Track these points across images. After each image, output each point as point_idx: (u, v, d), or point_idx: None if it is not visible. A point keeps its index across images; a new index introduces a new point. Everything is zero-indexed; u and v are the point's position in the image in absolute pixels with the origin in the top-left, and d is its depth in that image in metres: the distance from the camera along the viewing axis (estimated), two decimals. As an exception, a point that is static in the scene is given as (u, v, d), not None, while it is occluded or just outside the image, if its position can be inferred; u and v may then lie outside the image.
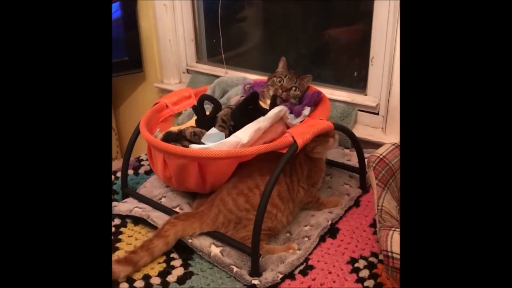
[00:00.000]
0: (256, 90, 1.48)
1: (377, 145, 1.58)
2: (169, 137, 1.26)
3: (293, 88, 1.42)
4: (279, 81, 1.42)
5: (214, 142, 1.20)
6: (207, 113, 1.33)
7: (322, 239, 1.23)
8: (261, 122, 1.19)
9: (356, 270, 1.13)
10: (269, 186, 1.11)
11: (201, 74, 2.05)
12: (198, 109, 1.29)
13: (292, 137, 1.17)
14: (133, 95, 2.33)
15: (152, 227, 1.26)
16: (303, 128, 1.21)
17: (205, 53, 2.14)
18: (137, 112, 2.33)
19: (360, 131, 1.63)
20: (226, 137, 1.23)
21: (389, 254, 0.94)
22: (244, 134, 1.17)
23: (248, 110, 1.22)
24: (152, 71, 2.18)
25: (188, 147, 1.24)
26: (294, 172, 1.27)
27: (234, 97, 1.52)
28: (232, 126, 1.26)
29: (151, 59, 2.16)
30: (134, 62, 2.16)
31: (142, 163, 1.64)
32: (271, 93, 1.42)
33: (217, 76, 1.96)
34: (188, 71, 2.13)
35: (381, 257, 1.16)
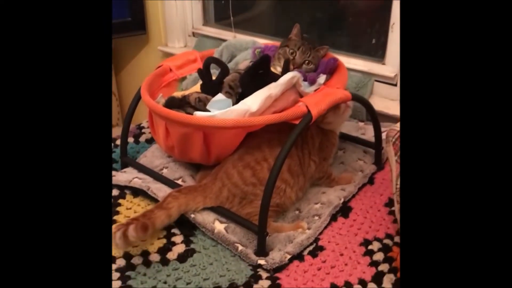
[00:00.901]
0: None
1: (394, 118, 1.49)
2: (172, 103, 1.16)
3: (306, 62, 1.30)
4: (292, 53, 1.30)
5: (220, 110, 1.11)
6: (214, 77, 1.22)
7: (333, 218, 1.15)
8: (272, 89, 1.09)
9: (369, 253, 1.05)
10: (280, 160, 1.02)
11: (208, 38, 1.94)
12: (203, 73, 1.19)
13: (306, 106, 1.06)
14: (136, 59, 2.22)
15: (152, 199, 1.18)
16: (318, 97, 1.11)
17: (212, 16, 2.03)
18: (139, 76, 2.22)
19: (377, 103, 1.52)
20: (233, 104, 1.13)
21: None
22: (254, 101, 1.07)
23: (258, 75, 1.11)
24: (156, 33, 2.07)
25: (192, 114, 1.15)
26: (305, 144, 1.18)
27: (243, 62, 1.41)
28: (239, 93, 1.16)
29: (155, 20, 2.04)
30: (137, 23, 2.04)
31: (143, 130, 1.54)
32: (281, 63, 1.31)
33: (224, 40, 1.85)
34: (194, 34, 2.02)
35: (395, 239, 1.08)
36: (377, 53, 1.59)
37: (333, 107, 1.15)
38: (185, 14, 1.99)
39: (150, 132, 1.49)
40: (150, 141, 1.47)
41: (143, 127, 1.56)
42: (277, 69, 1.30)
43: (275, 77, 1.13)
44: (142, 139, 1.50)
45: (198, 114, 1.07)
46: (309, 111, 1.06)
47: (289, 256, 1.02)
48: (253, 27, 1.90)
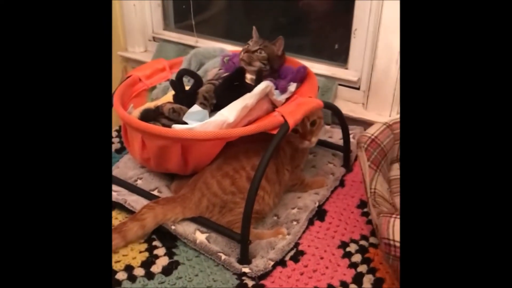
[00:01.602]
0: (236, 61, 1.38)
1: (358, 121, 1.55)
2: (147, 116, 1.16)
3: (258, 51, 1.33)
4: (246, 46, 1.34)
5: (197, 121, 1.12)
6: (186, 88, 1.23)
7: (310, 222, 1.19)
8: (247, 99, 1.11)
9: (348, 255, 1.09)
10: (261, 169, 1.04)
11: (169, 43, 1.91)
12: (176, 84, 1.19)
13: (283, 116, 1.09)
14: (94, 64, 2.16)
15: (130, 212, 1.17)
16: (293, 106, 1.14)
17: (172, 20, 2.00)
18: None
19: (341, 107, 1.54)
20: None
21: (391, 242, 0.90)
22: (230, 112, 1.09)
23: (233, 86, 1.13)
24: (115, 38, 2.01)
25: (167, 125, 1.15)
26: (278, 155, 1.21)
27: (212, 70, 1.42)
28: (214, 104, 1.17)
29: (114, 24, 1.99)
30: (95, 27, 1.98)
31: (112, 140, 1.52)
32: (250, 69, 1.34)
33: (186, 45, 1.85)
34: (154, 38, 1.98)
35: (370, 240, 1.13)
36: (340, 57, 1.64)
37: (318, 127, 1.20)
38: (145, 18, 1.95)
39: (119, 142, 1.47)
40: (120, 151, 1.45)
41: (112, 137, 1.53)
42: (247, 77, 1.32)
43: (249, 88, 1.15)
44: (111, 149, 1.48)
45: (177, 127, 1.07)
46: (286, 121, 1.08)
47: (272, 263, 1.04)
48: (214, 30, 1.90)
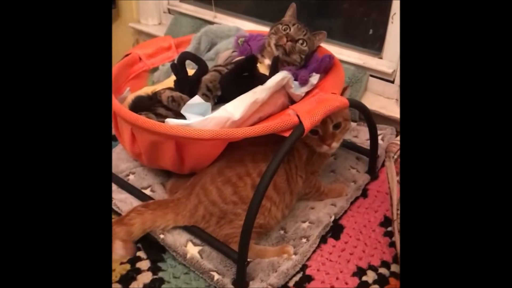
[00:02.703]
0: (252, 44, 1.19)
1: (389, 120, 1.36)
2: (140, 104, 0.99)
3: (300, 41, 1.14)
4: (285, 29, 1.14)
5: (196, 114, 0.95)
6: (190, 73, 1.05)
7: (323, 239, 1.02)
8: (258, 93, 0.93)
9: (364, 285, 0.93)
10: (267, 176, 0.87)
11: (185, 16, 1.74)
12: (178, 69, 1.01)
13: (298, 116, 0.91)
14: (104, 35, 2.01)
15: (116, 213, 1.02)
16: (311, 104, 0.95)
17: (191, -9, 1.82)
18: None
19: (371, 102, 1.38)
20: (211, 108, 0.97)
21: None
22: (236, 108, 0.91)
23: (242, 77, 0.94)
24: (127, 8, 1.86)
25: (163, 115, 0.99)
26: (292, 158, 1.03)
27: (224, 51, 1.24)
28: (218, 96, 1.00)
29: (126, -7, 1.83)
30: (106, -5, 1.82)
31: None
32: (272, 44, 1.14)
33: (203, 20, 1.68)
34: (169, 11, 1.81)
35: (392, 268, 0.96)
36: (374, 45, 1.44)
37: (342, 131, 1.02)
38: (160, -13, 1.78)
39: (113, 128, 1.32)
40: (114, 138, 1.29)
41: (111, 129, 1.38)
42: (265, 62, 1.13)
43: (261, 79, 0.96)
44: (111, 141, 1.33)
45: (171, 121, 0.90)
46: (301, 122, 0.90)
47: (272, 289, 0.89)
48: (235, 7, 1.71)
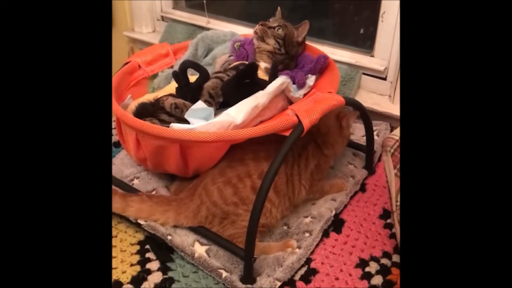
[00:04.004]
0: (248, 48, 1.23)
1: (383, 116, 1.39)
2: (143, 111, 1.02)
3: (277, 28, 1.19)
4: (264, 22, 1.21)
5: (200, 119, 0.98)
6: (191, 79, 1.08)
7: (325, 234, 1.05)
8: (259, 98, 0.97)
9: (367, 276, 0.96)
10: (269, 177, 0.90)
11: (178, 23, 1.77)
12: (180, 76, 1.04)
13: (297, 116, 0.94)
14: (99, 44, 2.03)
15: (122, 217, 1.05)
16: (309, 104, 0.99)
17: (183, -2, 1.85)
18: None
19: (364, 99, 1.42)
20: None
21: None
22: (239, 112, 0.94)
23: (243, 84, 0.98)
24: (121, 16, 1.88)
25: (167, 121, 1.01)
26: (296, 166, 1.06)
27: (221, 56, 1.27)
28: (220, 102, 1.03)
29: (119, 2, 1.85)
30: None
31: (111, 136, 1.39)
32: (263, 56, 1.19)
33: (197, 26, 1.71)
34: (163, 18, 1.84)
35: (393, 258, 1.00)
36: (366, 44, 1.47)
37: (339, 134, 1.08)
38: (153, -5, 1.80)
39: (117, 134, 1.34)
40: (118, 144, 1.31)
41: (111, 133, 1.40)
42: (261, 65, 1.17)
43: (262, 85, 1.00)
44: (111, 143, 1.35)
45: (176, 126, 0.93)
46: (300, 121, 0.93)
47: (279, 283, 0.92)
48: (227, 11, 1.74)
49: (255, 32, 1.21)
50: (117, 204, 1.01)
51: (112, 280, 0.93)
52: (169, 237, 0.99)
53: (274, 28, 1.20)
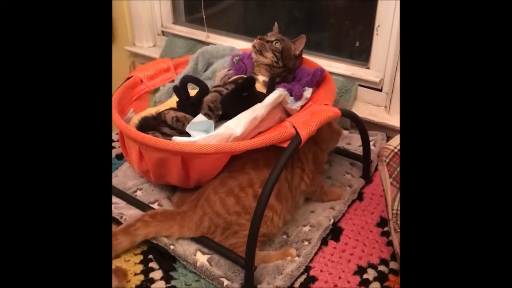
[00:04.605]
0: (247, 62, 1.27)
1: (379, 126, 1.42)
2: (146, 125, 1.05)
3: (274, 42, 1.23)
4: (262, 37, 1.24)
5: (200, 131, 1.01)
6: (191, 93, 1.11)
7: (324, 242, 1.08)
8: (257, 110, 1.00)
9: (365, 283, 0.98)
10: (268, 187, 0.93)
11: (178, 37, 1.80)
12: (180, 91, 1.08)
13: (294, 128, 0.98)
14: (101, 59, 2.07)
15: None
16: (306, 116, 1.02)
17: (183, 13, 1.89)
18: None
19: (361, 110, 1.45)
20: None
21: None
22: (238, 124, 0.98)
23: (241, 97, 1.01)
24: (122, 31, 1.92)
25: (168, 134, 1.05)
26: (298, 161, 1.09)
27: (221, 70, 1.31)
28: (219, 115, 1.06)
29: (120, 17, 1.89)
30: (101, 20, 1.88)
31: (112, 144, 1.42)
32: (261, 70, 1.23)
33: (197, 40, 1.75)
34: (163, 33, 1.88)
35: (390, 265, 1.02)
36: (361, 56, 1.51)
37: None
38: (153, 11, 1.84)
39: (120, 147, 1.37)
40: (121, 157, 1.35)
41: (113, 140, 1.44)
42: (259, 78, 1.20)
43: (260, 97, 1.03)
44: (112, 154, 1.38)
45: (177, 139, 0.96)
46: (297, 133, 0.97)
47: (279, 291, 0.94)
48: (226, 25, 1.78)
49: (254, 46, 1.24)
50: (125, 242, 1.00)
51: (117, 289, 0.95)
52: (171, 247, 1.01)
53: (272, 42, 1.23)
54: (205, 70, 1.34)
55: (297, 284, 0.98)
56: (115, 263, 1.00)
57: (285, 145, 0.97)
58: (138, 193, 1.19)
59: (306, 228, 1.11)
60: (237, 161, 1.05)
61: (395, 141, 1.03)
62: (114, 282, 0.95)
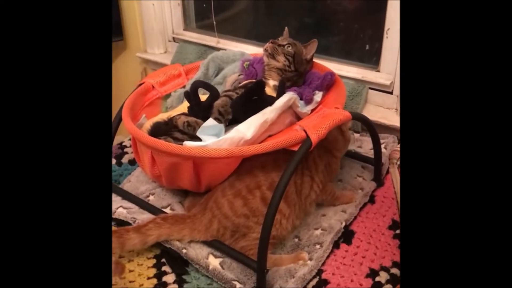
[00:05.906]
0: (257, 67, 1.28)
1: (390, 129, 1.42)
2: (158, 130, 1.07)
3: (286, 45, 1.22)
4: (274, 41, 1.24)
5: (211, 135, 1.02)
6: (202, 98, 1.12)
7: (335, 245, 1.08)
8: (267, 114, 1.01)
9: (377, 286, 0.98)
10: (279, 191, 0.93)
11: (189, 43, 1.82)
12: (191, 96, 1.09)
13: (305, 131, 0.98)
14: (113, 66, 2.09)
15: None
16: (317, 119, 1.03)
17: (193, 19, 1.91)
18: (117, 85, 2.07)
19: (371, 113, 1.45)
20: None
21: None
22: (248, 128, 0.98)
23: (251, 101, 1.02)
24: (134, 38, 1.95)
25: (180, 139, 1.06)
26: (306, 170, 1.09)
27: (231, 75, 1.32)
28: (229, 119, 1.07)
29: (132, 25, 1.92)
30: (113, 28, 1.91)
31: (125, 150, 1.44)
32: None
33: (207, 46, 1.76)
34: (174, 39, 1.90)
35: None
36: (371, 59, 1.51)
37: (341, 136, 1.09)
38: (164, 18, 1.87)
39: (133, 152, 1.39)
40: (134, 162, 1.37)
41: (125, 146, 1.46)
42: (269, 83, 1.21)
43: (269, 101, 1.04)
44: (124, 159, 1.40)
45: (189, 143, 0.97)
46: (308, 136, 0.97)
47: (291, 294, 0.95)
48: (236, 31, 1.80)
49: (265, 50, 1.24)
50: (136, 240, 1.00)
51: (130, 293, 0.97)
52: (184, 251, 1.02)
53: (284, 46, 1.23)
54: (216, 76, 1.35)
55: (309, 287, 0.98)
56: (129, 267, 1.01)
57: (296, 148, 0.97)
58: (151, 197, 1.20)
59: (318, 232, 1.11)
60: (245, 163, 1.05)
61: (406, 144, 1.03)
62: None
